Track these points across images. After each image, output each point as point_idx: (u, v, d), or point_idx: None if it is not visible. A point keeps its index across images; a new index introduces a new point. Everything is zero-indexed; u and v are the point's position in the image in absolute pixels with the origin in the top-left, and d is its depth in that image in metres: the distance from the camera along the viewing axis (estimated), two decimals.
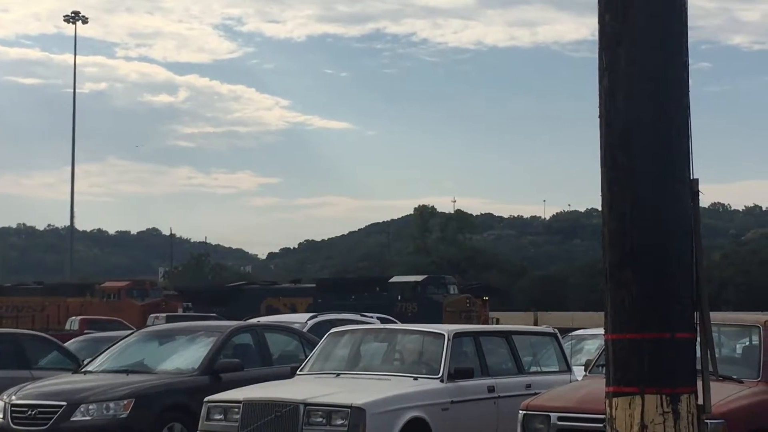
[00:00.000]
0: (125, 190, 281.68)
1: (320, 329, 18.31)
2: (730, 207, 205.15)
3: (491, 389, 14.03)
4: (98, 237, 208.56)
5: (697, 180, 6.92)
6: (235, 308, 57.18)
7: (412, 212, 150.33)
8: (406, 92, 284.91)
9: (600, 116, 6.95)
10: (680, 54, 6.89)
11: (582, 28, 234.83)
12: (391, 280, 67.47)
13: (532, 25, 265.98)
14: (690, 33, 7.03)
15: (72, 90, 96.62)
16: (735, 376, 11.87)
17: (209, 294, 73.47)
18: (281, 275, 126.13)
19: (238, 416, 12.57)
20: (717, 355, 11.67)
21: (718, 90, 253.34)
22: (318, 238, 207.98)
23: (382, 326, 17.67)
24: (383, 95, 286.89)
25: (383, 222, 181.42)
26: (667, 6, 6.86)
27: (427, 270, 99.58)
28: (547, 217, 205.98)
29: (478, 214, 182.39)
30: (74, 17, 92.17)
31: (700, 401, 6.87)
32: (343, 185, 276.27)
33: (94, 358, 16.31)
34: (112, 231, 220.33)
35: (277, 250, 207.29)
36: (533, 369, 15.32)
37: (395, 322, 27.22)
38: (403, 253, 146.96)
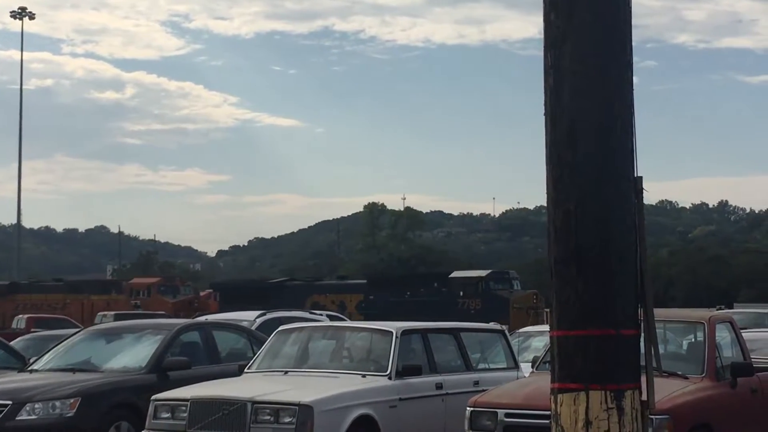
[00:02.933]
0: (72, 188, 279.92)
1: (268, 327, 18.28)
2: (678, 204, 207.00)
3: (439, 386, 14.05)
4: (46, 234, 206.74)
5: (641, 178, 6.98)
6: (277, 306, 51.82)
7: (362, 210, 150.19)
8: (354, 90, 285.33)
9: (545, 114, 6.99)
10: (624, 53, 6.94)
11: (530, 26, 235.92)
12: (452, 275, 62.84)
13: (480, 23, 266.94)
14: (635, 31, 7.09)
15: (18, 86, 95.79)
16: (680, 372, 11.97)
17: (248, 290, 66.13)
18: (231, 273, 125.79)
19: (185, 414, 12.50)
20: (662, 352, 11.80)
21: (663, 88, 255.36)
22: (268, 236, 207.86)
23: (330, 324, 17.68)
24: (332, 92, 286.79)
25: (333, 219, 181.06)
26: (612, 5, 6.91)
27: (377, 267, 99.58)
28: (497, 215, 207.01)
29: (428, 211, 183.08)
30: (21, 13, 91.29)
31: (645, 397, 6.93)
32: (293, 183, 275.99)
33: (41, 357, 16.18)
34: (59, 229, 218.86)
35: (226, 248, 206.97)
36: (481, 366, 15.38)
37: (345, 320, 27.21)
38: (352, 250, 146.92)
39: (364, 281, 66.25)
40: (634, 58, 7.02)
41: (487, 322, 22.31)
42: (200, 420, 12.36)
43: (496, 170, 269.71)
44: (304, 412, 12.00)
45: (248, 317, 21.04)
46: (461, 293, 59.54)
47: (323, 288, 65.98)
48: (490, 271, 64.32)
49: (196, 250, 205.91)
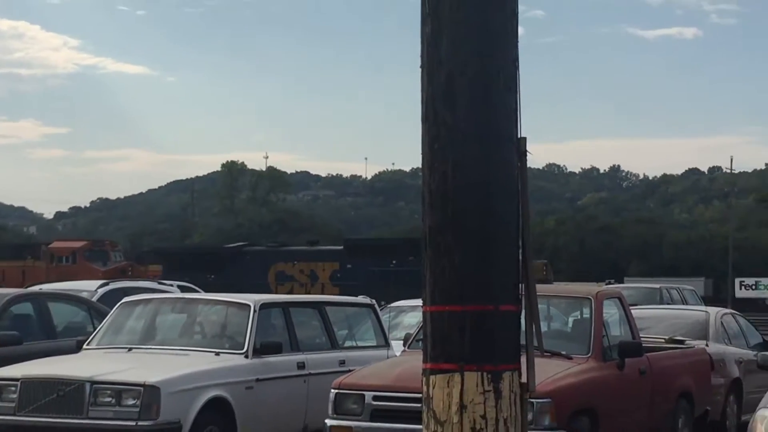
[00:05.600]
0: None
1: (112, 298, 18.11)
2: (566, 169, 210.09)
3: (301, 366, 14.08)
4: None
5: (524, 138, 7.03)
6: (233, 275, 50.32)
7: (219, 169, 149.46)
8: (210, 35, 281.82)
9: (422, 66, 6.99)
10: (509, 0, 6.97)
11: None
12: None
13: None
14: None
15: None
16: (563, 352, 12.16)
17: (198, 257, 61.64)
18: (71, 236, 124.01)
19: (15, 396, 12.32)
20: (545, 330, 11.99)
21: (551, 41, 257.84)
22: (112, 196, 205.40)
23: (180, 296, 17.57)
24: (185, 37, 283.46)
25: (186, 179, 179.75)
26: None
27: (234, 234, 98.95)
28: (369, 177, 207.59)
29: (293, 171, 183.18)
30: None
31: (524, 379, 7.02)
32: (141, 137, 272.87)
33: None
34: None
35: (65, 209, 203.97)
36: (348, 344, 15.46)
37: (198, 292, 27.01)
38: (208, 213, 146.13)
39: (341, 247, 61.65)
40: (520, 7, 7.07)
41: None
42: (32, 402, 12.19)
43: (368, 127, 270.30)
44: (149, 393, 11.91)
45: (89, 287, 20.82)
46: None
47: (290, 255, 61.30)
48: None
49: (31, 211, 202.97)
